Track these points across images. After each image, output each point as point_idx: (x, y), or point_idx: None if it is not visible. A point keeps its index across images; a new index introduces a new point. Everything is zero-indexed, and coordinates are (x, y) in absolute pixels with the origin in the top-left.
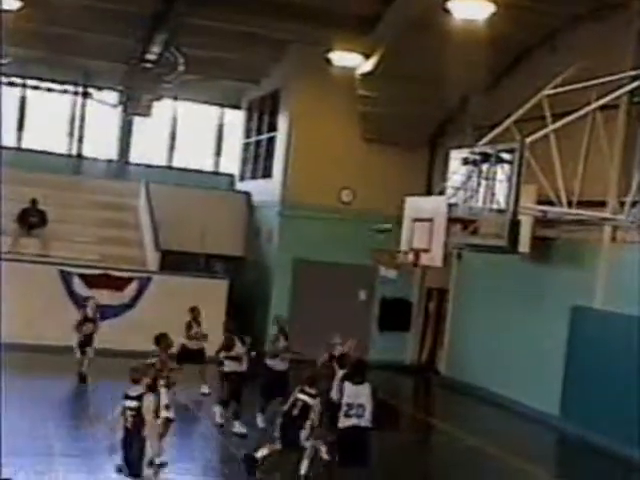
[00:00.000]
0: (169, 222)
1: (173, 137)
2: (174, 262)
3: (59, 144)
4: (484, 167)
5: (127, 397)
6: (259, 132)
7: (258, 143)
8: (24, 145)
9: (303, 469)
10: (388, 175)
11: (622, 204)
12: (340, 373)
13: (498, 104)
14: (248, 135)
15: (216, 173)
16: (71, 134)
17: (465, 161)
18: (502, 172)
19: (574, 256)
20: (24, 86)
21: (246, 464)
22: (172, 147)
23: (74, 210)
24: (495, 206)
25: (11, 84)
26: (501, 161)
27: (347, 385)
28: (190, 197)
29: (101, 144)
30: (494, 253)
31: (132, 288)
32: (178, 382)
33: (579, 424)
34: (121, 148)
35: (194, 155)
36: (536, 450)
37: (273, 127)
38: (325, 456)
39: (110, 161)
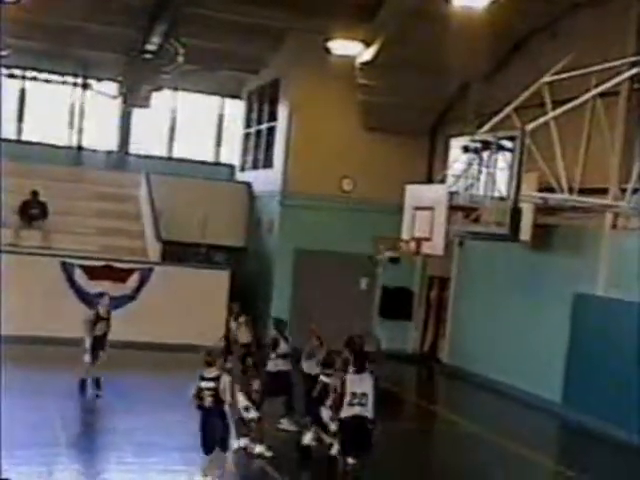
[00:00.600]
0: (170, 213)
1: (173, 128)
2: (175, 253)
3: (59, 136)
4: (485, 155)
5: (203, 379)
6: (259, 122)
7: (258, 133)
8: (24, 137)
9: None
10: (389, 163)
11: (623, 191)
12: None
13: (498, 91)
14: (248, 125)
15: (217, 164)
16: (71, 125)
17: (466, 149)
18: (503, 160)
19: (575, 243)
20: (23, 78)
21: (302, 453)
22: (172, 138)
23: (75, 202)
24: (496, 194)
25: (11, 76)
26: (502, 149)
27: (350, 374)
28: (191, 188)
29: (101, 135)
30: (496, 241)
31: (134, 279)
32: None
33: (581, 411)
34: (121, 139)
35: (194, 146)
36: (538, 437)
37: (273, 117)
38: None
39: (110, 152)
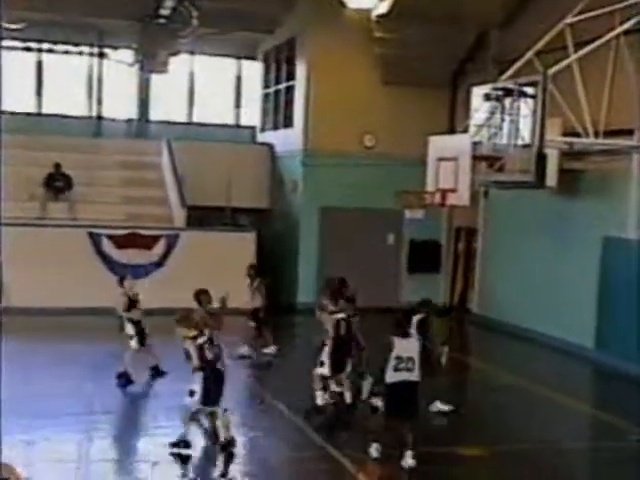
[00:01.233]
0: (193, 178)
1: (192, 92)
2: (200, 218)
3: (78, 107)
4: (507, 102)
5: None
6: (277, 82)
7: (277, 93)
8: (43, 110)
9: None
10: (410, 117)
11: None
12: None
13: (518, 37)
14: (267, 86)
15: (237, 126)
16: (89, 96)
17: (487, 97)
18: (526, 106)
19: (603, 187)
20: (39, 50)
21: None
22: (191, 103)
23: (98, 172)
24: (520, 141)
25: (27, 49)
26: (524, 95)
27: (396, 339)
28: (212, 152)
29: (120, 104)
30: (521, 189)
31: (160, 246)
32: None
33: (614, 355)
34: (140, 107)
35: (214, 109)
36: (572, 383)
37: (291, 76)
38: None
39: (130, 120)
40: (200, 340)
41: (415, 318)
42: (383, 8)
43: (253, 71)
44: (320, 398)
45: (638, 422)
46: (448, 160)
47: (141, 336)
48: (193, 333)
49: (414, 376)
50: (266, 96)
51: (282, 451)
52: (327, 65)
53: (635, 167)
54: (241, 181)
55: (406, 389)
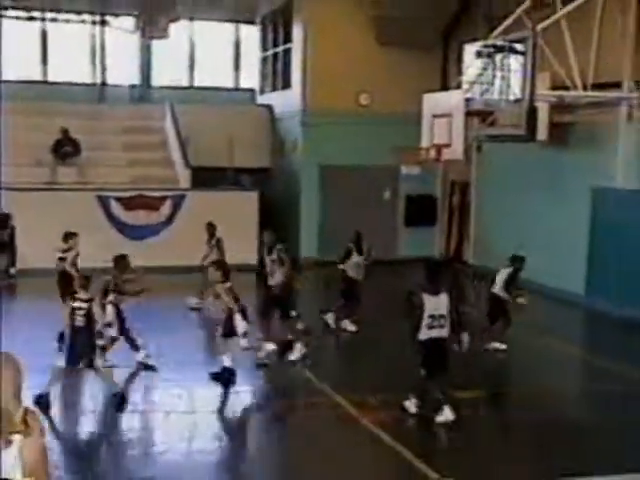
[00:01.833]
0: (196, 140)
1: (192, 57)
2: (205, 178)
3: (82, 74)
4: (498, 59)
5: (75, 299)
6: (275, 45)
7: (275, 56)
8: (49, 78)
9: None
10: (404, 75)
11: (637, 83)
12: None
13: None
14: (265, 49)
15: (237, 89)
16: (93, 63)
17: (479, 54)
18: (516, 62)
19: (592, 138)
20: (43, 20)
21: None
22: (192, 67)
23: (104, 136)
24: (511, 96)
25: (30, 18)
26: (514, 51)
27: (427, 296)
28: (214, 114)
29: (123, 70)
30: (513, 142)
31: (167, 206)
32: None
33: (604, 300)
34: (143, 72)
35: (214, 73)
36: (565, 328)
37: (288, 38)
38: None
39: (133, 86)
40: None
41: (505, 272)
42: None
43: (251, 35)
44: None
45: (628, 363)
46: (442, 116)
47: None
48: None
49: (445, 332)
50: (264, 59)
51: (289, 398)
52: (323, 27)
53: (623, 118)
54: (242, 142)
55: (438, 345)
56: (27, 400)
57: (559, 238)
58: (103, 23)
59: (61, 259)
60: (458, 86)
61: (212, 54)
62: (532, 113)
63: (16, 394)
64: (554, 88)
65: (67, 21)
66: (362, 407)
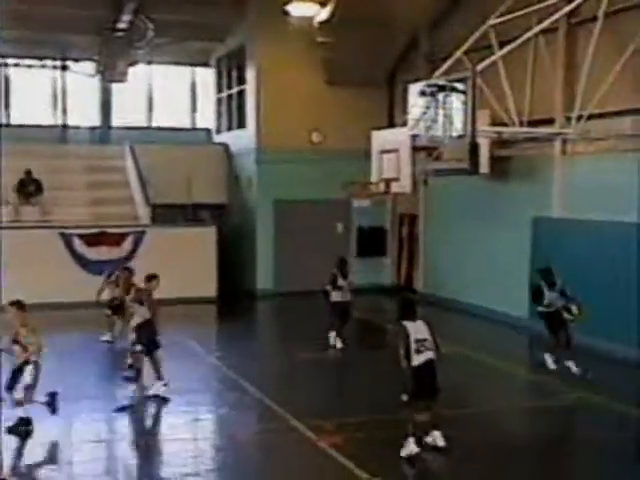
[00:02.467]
0: (155, 178)
1: (150, 99)
2: (164, 215)
3: (44, 116)
4: (440, 97)
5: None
6: (229, 86)
7: (230, 97)
8: (12, 121)
9: None
10: (353, 114)
11: (568, 119)
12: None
13: (447, 38)
14: (220, 90)
15: (194, 129)
16: (55, 106)
17: (422, 93)
18: (457, 100)
19: (530, 171)
20: (6, 65)
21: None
22: (150, 108)
23: (66, 176)
24: (454, 132)
25: None
26: (455, 90)
27: (408, 323)
28: (172, 153)
29: (84, 112)
30: (458, 175)
31: (128, 242)
32: None
33: None
34: (103, 114)
35: (172, 114)
36: (509, 350)
37: (242, 80)
38: None
39: (94, 128)
40: None
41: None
42: (324, 15)
43: (207, 77)
44: None
45: (568, 382)
46: (390, 152)
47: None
48: None
49: (432, 354)
50: (220, 100)
51: (249, 425)
52: (275, 69)
53: (557, 152)
54: (200, 179)
55: (430, 368)
56: None
57: (503, 265)
58: (64, 68)
59: None
60: (404, 123)
61: (169, 96)
62: (474, 148)
63: None
64: (493, 124)
65: (29, 66)
66: (319, 431)
